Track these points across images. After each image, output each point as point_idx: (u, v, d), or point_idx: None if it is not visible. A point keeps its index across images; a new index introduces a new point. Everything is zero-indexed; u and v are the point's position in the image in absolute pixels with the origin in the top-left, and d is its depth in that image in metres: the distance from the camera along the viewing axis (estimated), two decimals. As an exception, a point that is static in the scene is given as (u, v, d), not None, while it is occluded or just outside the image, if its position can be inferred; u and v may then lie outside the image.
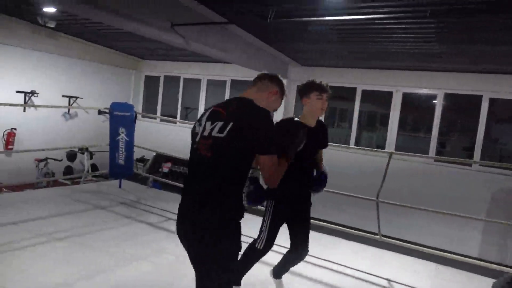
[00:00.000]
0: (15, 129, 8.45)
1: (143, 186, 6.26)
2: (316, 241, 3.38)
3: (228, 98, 1.94)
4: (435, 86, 7.56)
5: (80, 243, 3.73)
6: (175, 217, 1.92)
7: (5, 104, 7.03)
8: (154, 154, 9.10)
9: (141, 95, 11.17)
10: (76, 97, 9.19)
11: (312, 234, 2.87)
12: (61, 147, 7.41)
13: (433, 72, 7.46)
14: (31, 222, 4.12)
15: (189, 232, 1.81)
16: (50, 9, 6.89)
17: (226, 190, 1.77)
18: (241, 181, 1.82)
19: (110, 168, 5.17)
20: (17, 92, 8.33)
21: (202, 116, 1.93)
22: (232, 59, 7.13)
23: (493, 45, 5.50)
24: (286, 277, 3.07)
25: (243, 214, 1.85)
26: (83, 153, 8.77)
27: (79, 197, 5.25)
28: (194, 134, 1.92)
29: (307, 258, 2.91)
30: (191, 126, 2.03)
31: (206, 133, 1.81)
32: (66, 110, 9.25)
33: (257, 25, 6.23)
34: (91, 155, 8.78)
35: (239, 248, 1.83)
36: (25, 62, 8.42)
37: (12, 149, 8.49)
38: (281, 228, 2.73)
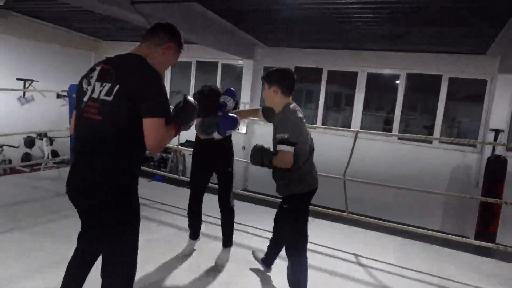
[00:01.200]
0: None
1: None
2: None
3: (120, 54, 1.84)
4: (398, 67, 7.74)
5: (41, 233, 3.56)
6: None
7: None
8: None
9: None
10: (32, 80, 8.65)
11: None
12: (17, 132, 6.99)
13: (396, 53, 7.61)
14: (-13, 212, 3.89)
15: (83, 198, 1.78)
16: (-3, -16, 6.38)
17: (118, 154, 1.72)
18: (133, 145, 1.74)
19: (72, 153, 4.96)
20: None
21: (91, 73, 1.82)
22: (197, 39, 6.93)
23: (450, 26, 5.68)
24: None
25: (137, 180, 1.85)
26: (41, 139, 8.34)
27: (38, 184, 5.01)
28: (81, 93, 1.81)
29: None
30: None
31: (95, 95, 1.73)
32: (21, 93, 8.71)
33: (223, 5, 6.08)
34: (51, 141, 8.37)
35: (134, 213, 1.82)
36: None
37: None
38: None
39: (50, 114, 8.88)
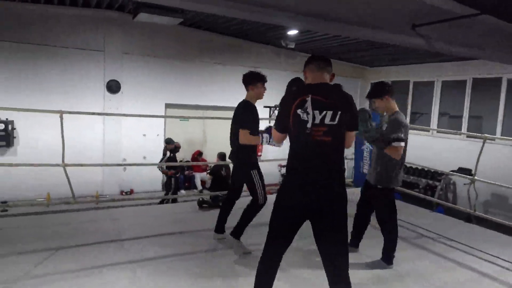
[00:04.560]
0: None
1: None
2: None
3: (332, 85, 2.24)
4: None
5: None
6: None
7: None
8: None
9: (367, 103, 11.15)
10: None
11: None
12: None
13: None
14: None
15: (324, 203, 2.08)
16: (292, 32, 7.78)
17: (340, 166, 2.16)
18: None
19: (354, 176, 5.32)
20: (264, 107, 9.80)
21: (304, 103, 2.11)
22: (482, 55, 6.15)
23: None
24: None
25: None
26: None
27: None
28: (302, 121, 2.12)
29: None
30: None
31: (317, 121, 2.09)
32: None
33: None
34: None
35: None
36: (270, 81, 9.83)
37: (260, 155, 10.03)
38: None
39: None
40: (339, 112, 2.07)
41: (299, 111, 2.12)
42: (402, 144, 2.96)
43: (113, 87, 8.52)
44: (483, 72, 8.24)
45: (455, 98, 9.01)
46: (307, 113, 2.10)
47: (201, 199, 4.60)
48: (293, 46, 8.92)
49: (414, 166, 8.71)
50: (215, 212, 3.58)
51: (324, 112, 2.08)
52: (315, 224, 2.11)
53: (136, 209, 5.53)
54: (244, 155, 3.29)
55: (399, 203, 3.46)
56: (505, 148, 7.33)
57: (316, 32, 7.52)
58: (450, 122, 9.23)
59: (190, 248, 3.39)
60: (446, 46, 5.53)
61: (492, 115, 8.21)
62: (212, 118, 9.08)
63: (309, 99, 2.11)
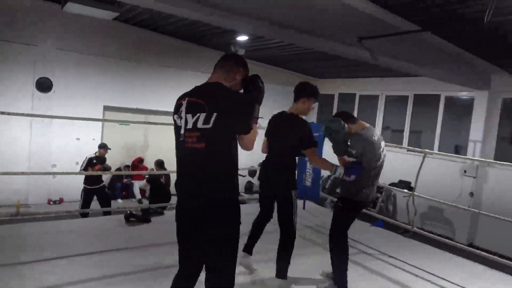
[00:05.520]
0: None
1: (325, 208, 6.04)
2: None
3: (217, 84, 1.93)
4: None
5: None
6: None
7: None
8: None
9: (315, 115, 11.23)
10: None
11: None
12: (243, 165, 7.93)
13: None
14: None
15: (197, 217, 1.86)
16: (243, 38, 7.57)
17: (221, 174, 1.85)
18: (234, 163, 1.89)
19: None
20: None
21: (179, 108, 1.90)
22: (423, 71, 6.33)
23: None
24: None
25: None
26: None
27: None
28: (177, 128, 1.91)
29: None
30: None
31: (190, 126, 1.83)
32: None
33: (458, 30, 5.34)
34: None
35: (238, 225, 1.90)
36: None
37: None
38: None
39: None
40: (215, 114, 1.77)
41: (175, 117, 1.93)
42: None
43: (44, 85, 7.75)
44: (424, 89, 8.56)
45: (398, 113, 9.30)
46: (181, 118, 1.88)
47: (128, 212, 4.15)
48: (243, 53, 8.72)
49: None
50: (143, 228, 3.21)
51: (198, 115, 1.81)
52: (196, 235, 1.89)
53: (57, 223, 4.93)
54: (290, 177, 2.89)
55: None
56: (443, 162, 7.61)
57: (267, 40, 7.38)
58: (393, 136, 9.50)
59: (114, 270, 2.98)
60: (390, 61, 5.63)
61: (431, 129, 8.55)
62: (157, 124, 8.47)
63: (185, 102, 1.88)
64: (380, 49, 5.29)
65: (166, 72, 9.20)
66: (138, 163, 8.74)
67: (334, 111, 10.80)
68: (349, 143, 2.80)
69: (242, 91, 2.03)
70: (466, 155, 7.52)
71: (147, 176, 6.97)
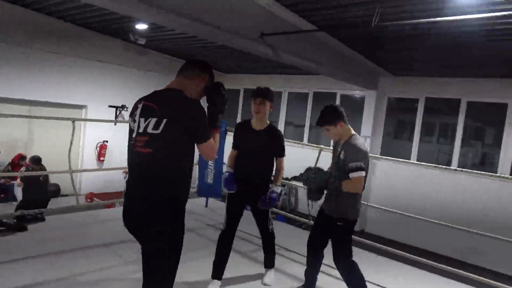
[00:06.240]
0: (106, 141, 8.88)
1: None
2: None
3: (174, 90, 1.90)
4: None
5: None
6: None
7: (98, 120, 7.36)
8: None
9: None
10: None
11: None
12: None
13: None
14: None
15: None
16: (141, 26, 7.09)
17: (164, 181, 1.81)
18: (184, 172, 1.87)
19: (198, 186, 4.95)
20: (109, 106, 8.76)
21: (134, 111, 1.91)
22: (321, 69, 6.65)
23: None
24: None
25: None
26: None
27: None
28: (130, 131, 1.92)
29: None
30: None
31: (141, 130, 1.82)
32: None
33: (350, 33, 5.71)
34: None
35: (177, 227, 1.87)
36: (116, 78, 8.85)
37: (103, 160, 8.91)
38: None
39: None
40: (165, 120, 1.77)
41: (130, 119, 1.94)
42: (363, 173, 2.57)
43: None
44: (323, 87, 9.07)
45: (299, 109, 9.72)
46: (134, 121, 1.89)
47: (-4, 220, 3.50)
48: (143, 43, 8.20)
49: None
50: (18, 238, 2.72)
51: (149, 119, 1.82)
52: (138, 238, 1.88)
53: None
54: None
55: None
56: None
57: (169, 30, 7.01)
58: (295, 131, 9.90)
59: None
60: (290, 58, 5.78)
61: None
62: (46, 118, 7.43)
63: (140, 106, 1.89)
64: (282, 47, 5.38)
65: (52, 58, 8.12)
66: (19, 161, 7.65)
67: (240, 106, 10.88)
68: (343, 155, 2.66)
69: (205, 98, 1.98)
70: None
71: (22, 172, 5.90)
